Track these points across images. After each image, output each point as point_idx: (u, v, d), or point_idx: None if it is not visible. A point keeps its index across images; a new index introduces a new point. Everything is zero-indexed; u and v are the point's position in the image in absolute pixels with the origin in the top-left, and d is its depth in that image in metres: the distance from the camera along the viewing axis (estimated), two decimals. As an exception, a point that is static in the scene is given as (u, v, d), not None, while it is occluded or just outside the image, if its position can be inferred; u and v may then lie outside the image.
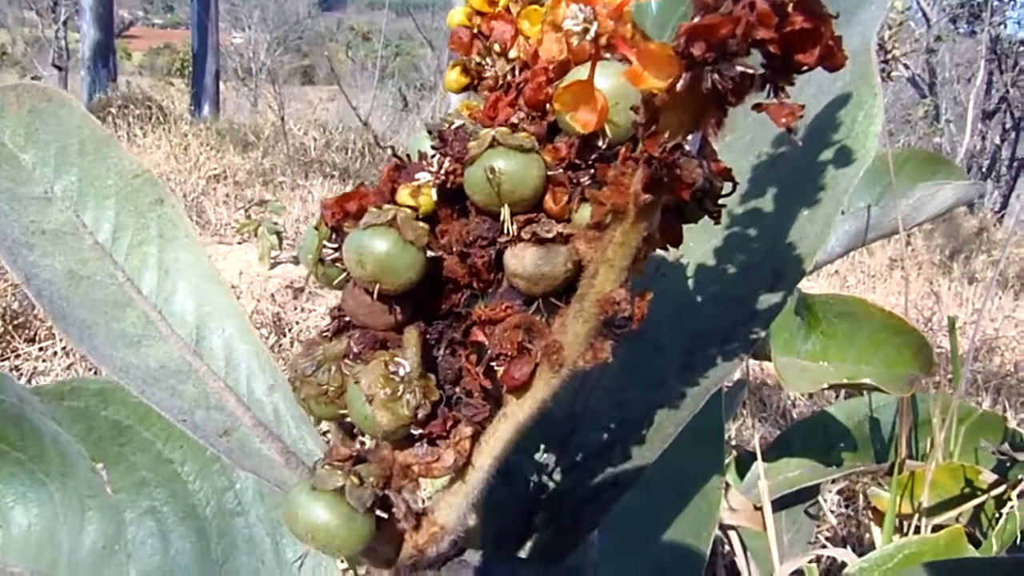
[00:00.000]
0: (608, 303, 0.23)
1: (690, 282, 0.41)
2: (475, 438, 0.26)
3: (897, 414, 1.06)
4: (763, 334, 0.36)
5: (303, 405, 0.26)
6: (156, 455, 0.50)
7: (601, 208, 0.22)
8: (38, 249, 0.31)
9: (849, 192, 0.37)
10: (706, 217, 0.34)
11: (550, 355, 0.24)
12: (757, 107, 0.21)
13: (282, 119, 6.55)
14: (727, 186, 0.28)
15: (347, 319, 0.26)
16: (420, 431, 0.25)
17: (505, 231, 0.24)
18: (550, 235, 0.23)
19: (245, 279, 3.03)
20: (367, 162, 6.60)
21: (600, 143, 0.24)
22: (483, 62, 0.30)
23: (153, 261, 0.33)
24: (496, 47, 0.29)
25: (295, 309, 2.92)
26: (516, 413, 0.26)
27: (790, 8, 0.18)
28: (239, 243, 3.59)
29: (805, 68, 0.20)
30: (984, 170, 8.16)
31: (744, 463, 1.16)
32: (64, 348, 2.30)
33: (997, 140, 8.19)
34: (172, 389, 0.32)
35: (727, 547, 1.12)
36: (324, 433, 0.35)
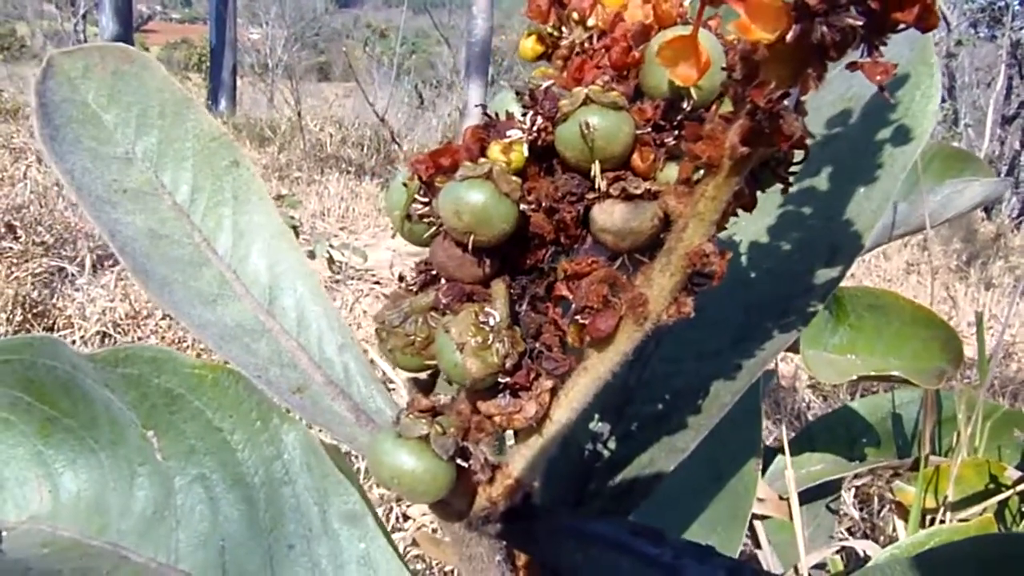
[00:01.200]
0: (697, 256, 0.23)
1: (743, 258, 0.42)
2: (554, 392, 0.27)
3: (921, 410, 1.06)
4: (820, 307, 0.37)
5: (388, 356, 0.27)
6: (206, 424, 0.51)
7: (695, 161, 0.22)
8: (120, 207, 0.32)
9: (907, 169, 0.37)
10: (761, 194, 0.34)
11: (635, 308, 0.25)
12: (851, 66, 0.22)
13: (299, 114, 6.58)
14: (798, 155, 0.29)
15: (433, 273, 0.27)
16: (506, 380, 0.26)
17: (595, 187, 0.24)
18: (639, 191, 0.24)
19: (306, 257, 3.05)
20: (382, 158, 6.63)
21: (685, 105, 0.25)
22: (557, 32, 0.31)
23: (228, 222, 0.34)
24: (575, 15, 0.30)
25: (311, 303, 2.93)
26: (597, 366, 0.26)
27: (896, -36, 0.19)
28: (258, 236, 3.60)
29: (902, 27, 0.21)
30: (1003, 176, 8.11)
31: (765, 458, 1.17)
32: (83, 337, 2.32)
33: (1016, 145, 8.15)
34: (247, 347, 0.33)
35: (749, 540, 1.13)
36: (391, 390, 0.35)
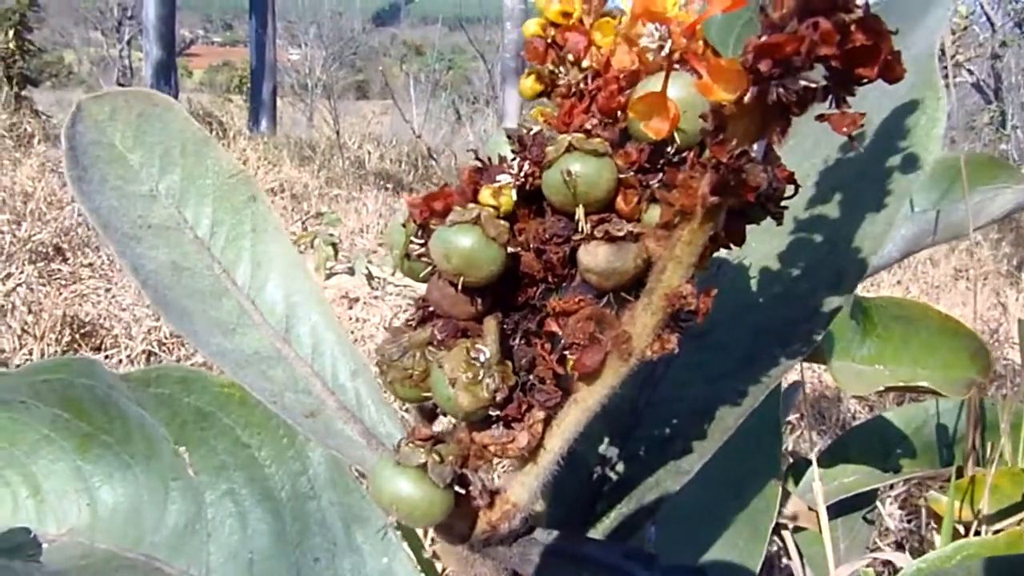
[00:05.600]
0: (675, 297, 0.24)
1: (752, 282, 0.43)
2: (547, 422, 0.28)
3: (960, 419, 1.05)
4: (823, 333, 0.38)
5: (389, 388, 0.29)
6: (235, 440, 0.53)
7: (670, 209, 0.24)
8: (145, 242, 0.34)
9: (911, 194, 0.38)
10: (768, 218, 0.35)
11: (619, 345, 0.26)
12: (820, 117, 0.23)
13: (337, 133, 6.66)
14: (789, 189, 0.30)
15: (431, 309, 0.28)
16: (497, 413, 0.27)
17: (579, 229, 0.26)
18: (621, 233, 0.25)
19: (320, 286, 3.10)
20: (420, 174, 6.68)
21: (669, 149, 0.26)
22: (556, 71, 0.32)
23: (247, 254, 0.36)
24: (570, 57, 0.31)
25: (350, 319, 2.98)
26: (586, 399, 0.28)
27: (852, 27, 0.20)
28: (297, 254, 3.66)
29: (866, 81, 0.22)
30: (1054, 177, 7.90)
31: (800, 470, 1.16)
32: (129, 356, 2.38)
33: (1066, 146, 7.94)
34: (263, 373, 0.35)
35: (783, 554, 1.12)
36: (402, 417, 0.37)
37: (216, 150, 0.36)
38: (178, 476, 0.53)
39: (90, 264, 3.11)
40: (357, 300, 3.16)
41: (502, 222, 0.26)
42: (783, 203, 0.30)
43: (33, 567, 0.51)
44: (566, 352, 0.27)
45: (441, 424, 0.32)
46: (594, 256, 0.25)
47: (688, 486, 0.58)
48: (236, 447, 0.53)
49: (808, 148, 0.43)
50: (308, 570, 0.51)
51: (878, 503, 1.15)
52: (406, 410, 0.32)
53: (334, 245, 3.36)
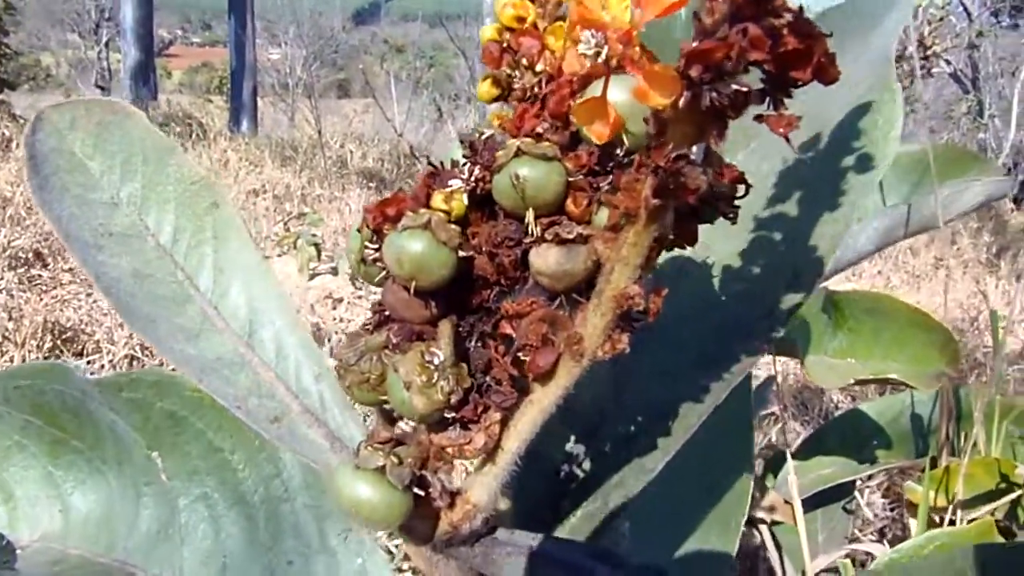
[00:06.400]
0: (623, 298, 0.25)
1: (714, 281, 0.43)
2: (504, 423, 0.29)
3: (935, 409, 1.06)
4: (782, 331, 0.38)
5: (347, 392, 0.29)
6: (207, 444, 0.53)
7: (616, 212, 0.24)
8: (106, 250, 0.34)
9: (868, 195, 0.38)
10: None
11: (571, 346, 0.26)
12: (758, 118, 0.23)
13: (319, 132, 6.62)
14: (741, 189, 0.30)
15: (387, 313, 0.29)
16: (453, 415, 0.28)
17: (530, 233, 0.26)
18: (571, 236, 0.26)
19: (285, 291, 3.09)
20: (402, 172, 6.66)
21: (618, 151, 0.27)
22: (513, 74, 0.32)
23: (209, 260, 0.36)
24: (524, 61, 0.31)
25: (334, 319, 2.98)
26: (541, 399, 0.28)
27: (783, 31, 0.20)
28: (279, 255, 3.66)
29: (800, 84, 0.22)
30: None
31: (779, 463, 1.17)
32: (111, 361, 2.36)
33: (1044, 135, 8.01)
34: (227, 379, 0.35)
35: (765, 548, 1.13)
36: (366, 420, 0.37)
37: (178, 157, 0.36)
38: (151, 481, 0.53)
39: (71, 269, 3.09)
40: (341, 300, 3.15)
41: (453, 226, 0.26)
42: (735, 203, 0.31)
43: (7, 574, 0.51)
44: (520, 354, 0.27)
45: (404, 426, 0.32)
46: (545, 259, 0.26)
47: (661, 482, 0.59)
48: (209, 451, 0.53)
49: (768, 149, 0.44)
50: (282, 573, 0.52)
51: (857, 493, 1.16)
52: (369, 413, 0.32)
53: (317, 245, 3.35)
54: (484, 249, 0.27)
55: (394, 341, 0.28)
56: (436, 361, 0.26)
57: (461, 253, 0.26)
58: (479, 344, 0.28)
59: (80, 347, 2.42)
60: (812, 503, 1.09)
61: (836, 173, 0.39)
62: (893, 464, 1.07)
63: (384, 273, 0.28)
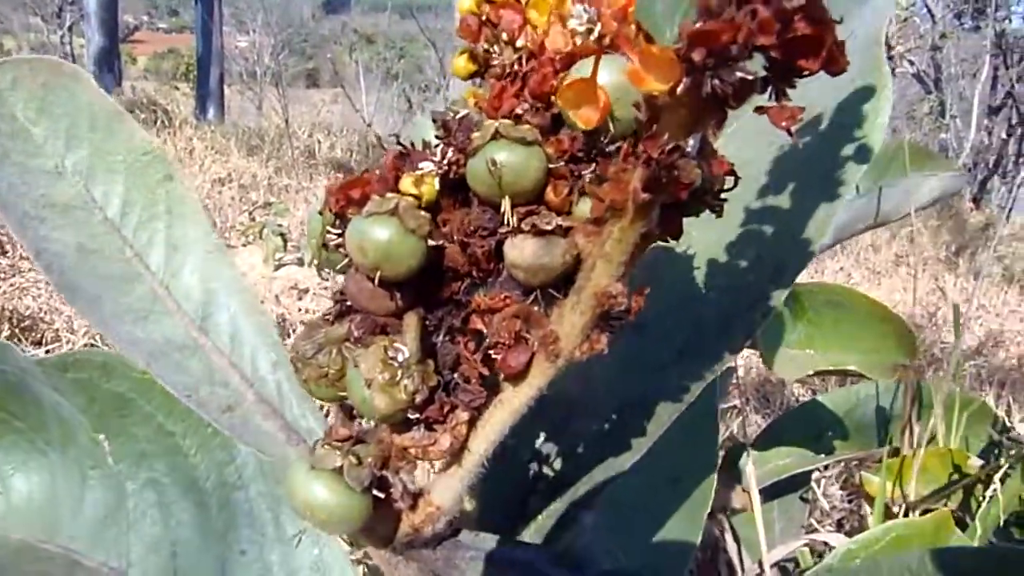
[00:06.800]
0: (604, 297, 0.23)
1: (696, 273, 0.42)
2: (472, 423, 0.27)
3: (894, 402, 1.07)
4: (762, 324, 0.37)
5: (304, 386, 0.27)
6: (157, 428, 0.51)
7: (600, 204, 0.22)
8: (48, 223, 0.32)
9: (854, 184, 0.37)
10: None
11: (546, 345, 0.24)
12: (759, 110, 0.21)
13: (286, 122, 6.52)
14: (729, 181, 0.29)
15: (349, 304, 0.27)
16: (417, 415, 0.26)
17: (506, 222, 0.24)
18: (550, 227, 0.24)
19: (250, 281, 3.05)
20: (371, 163, 6.59)
21: (603, 138, 0.25)
22: (491, 50, 0.30)
23: (161, 237, 0.34)
24: (504, 36, 0.29)
25: (299, 310, 2.93)
26: (512, 400, 0.26)
27: (793, 15, 0.18)
28: (244, 245, 3.59)
29: (807, 73, 0.20)
30: (990, 166, 8.12)
31: (736, 454, 1.17)
32: (71, 350, 2.30)
33: (1003, 135, 8.14)
34: (177, 364, 0.33)
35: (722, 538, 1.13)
36: (325, 412, 0.35)
37: (128, 125, 0.34)
38: (97, 465, 0.51)
39: (30, 257, 3.00)
40: (307, 291, 3.11)
41: (423, 213, 0.24)
42: (722, 196, 0.29)
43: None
44: (491, 352, 0.25)
45: (364, 423, 0.30)
46: (520, 251, 0.24)
47: (627, 480, 0.58)
48: (159, 435, 0.51)
49: (749, 134, 0.42)
50: (234, 562, 0.50)
51: (814, 484, 1.17)
52: (325, 408, 0.31)
53: (283, 236, 3.29)
54: (456, 238, 0.25)
55: (356, 334, 0.26)
56: (400, 358, 0.24)
57: (431, 242, 0.24)
58: (447, 339, 0.26)
59: (39, 335, 2.36)
60: (770, 493, 1.09)
61: (824, 162, 0.37)
62: (850, 455, 1.07)
63: (347, 260, 0.26)
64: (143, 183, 0.34)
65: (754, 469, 0.99)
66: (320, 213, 0.26)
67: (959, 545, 0.68)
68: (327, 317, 0.27)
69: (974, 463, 0.99)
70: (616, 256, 0.23)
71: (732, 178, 0.29)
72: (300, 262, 3.17)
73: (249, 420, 0.33)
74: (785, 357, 0.99)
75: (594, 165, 0.25)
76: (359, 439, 0.28)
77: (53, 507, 0.51)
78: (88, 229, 0.33)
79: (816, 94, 0.40)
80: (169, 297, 0.34)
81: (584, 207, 0.25)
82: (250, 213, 3.94)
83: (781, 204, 0.39)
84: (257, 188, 4.94)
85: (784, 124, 0.21)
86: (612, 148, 0.25)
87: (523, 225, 0.24)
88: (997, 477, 0.95)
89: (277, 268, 3.22)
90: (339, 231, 0.25)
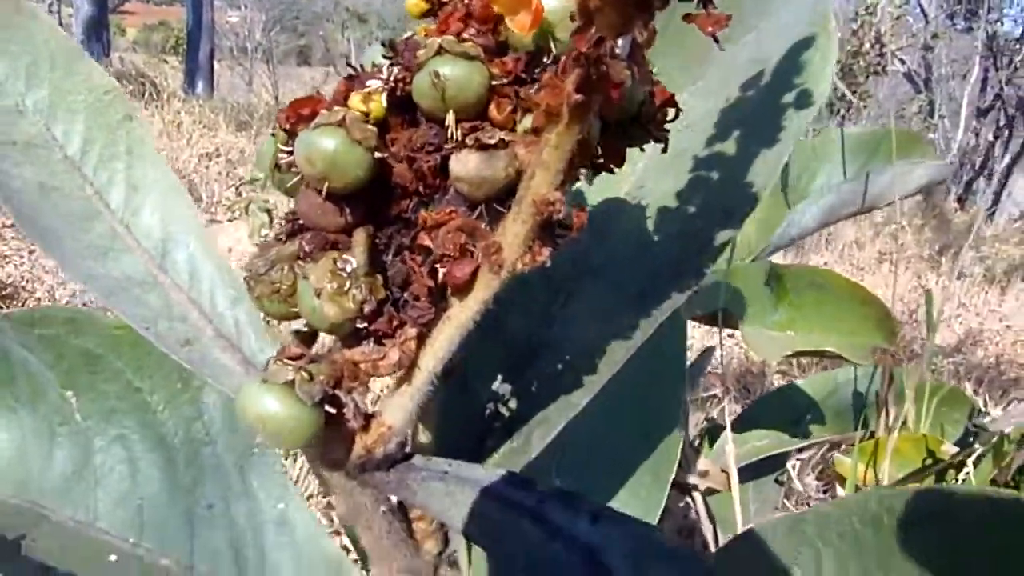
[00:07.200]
0: (543, 204, 0.24)
1: (649, 222, 0.43)
2: (421, 340, 0.28)
3: (871, 388, 1.08)
4: (711, 268, 0.38)
5: (257, 304, 0.28)
6: (126, 384, 0.51)
7: (539, 113, 0.23)
8: (9, 159, 0.32)
9: (799, 130, 0.38)
10: (665, 155, 0.35)
11: (490, 255, 0.25)
12: (687, 17, 0.22)
13: (276, 99, 6.50)
14: (671, 112, 0.30)
15: (300, 222, 0.27)
16: (367, 328, 0.26)
17: (450, 136, 0.25)
18: (492, 141, 0.25)
19: (235, 256, 3.04)
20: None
21: (546, 59, 0.26)
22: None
23: (121, 176, 0.34)
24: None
25: (284, 285, 2.93)
26: (459, 315, 0.27)
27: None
28: (230, 220, 3.59)
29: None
30: (977, 167, 8.20)
31: (715, 436, 1.18)
32: (38, 307, 2.30)
33: (991, 137, 8.22)
34: (136, 299, 0.33)
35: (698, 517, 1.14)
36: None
37: (88, 64, 0.34)
38: (65, 421, 0.51)
39: (12, 225, 2.99)
40: (291, 267, 3.10)
41: (369, 126, 0.25)
42: (665, 127, 0.30)
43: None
44: (437, 266, 0.26)
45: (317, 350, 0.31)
46: (464, 164, 0.25)
47: (594, 430, 0.58)
48: (127, 391, 0.51)
49: (714, 87, 0.43)
50: (201, 516, 0.50)
51: (789, 467, 1.18)
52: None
53: (269, 211, 3.29)
54: (403, 155, 0.25)
55: (306, 250, 0.26)
56: (349, 268, 0.25)
57: (378, 155, 0.25)
58: (396, 258, 0.27)
59: (21, 303, 2.35)
60: (745, 475, 1.10)
61: (774, 109, 0.38)
62: (826, 438, 1.08)
63: (298, 178, 0.26)
64: (103, 123, 0.34)
65: (733, 447, 1.00)
66: (272, 134, 0.27)
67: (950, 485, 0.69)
68: (279, 237, 0.28)
69: (948, 449, 1.01)
70: (554, 163, 0.23)
71: (674, 109, 0.30)
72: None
73: (207, 354, 0.33)
74: (764, 338, 1.00)
75: (536, 86, 0.26)
76: (312, 359, 0.28)
77: (22, 463, 0.51)
78: (49, 167, 0.33)
79: (768, 48, 0.41)
80: (129, 235, 0.34)
81: (526, 124, 0.25)
82: (237, 188, 3.94)
83: (728, 151, 0.40)
84: (244, 164, 4.93)
85: (711, 29, 0.21)
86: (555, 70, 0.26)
87: (467, 140, 0.25)
88: (971, 460, 0.96)
89: (263, 243, 3.22)
90: (290, 149, 0.26)
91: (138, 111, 0.35)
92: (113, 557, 0.47)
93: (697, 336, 2.38)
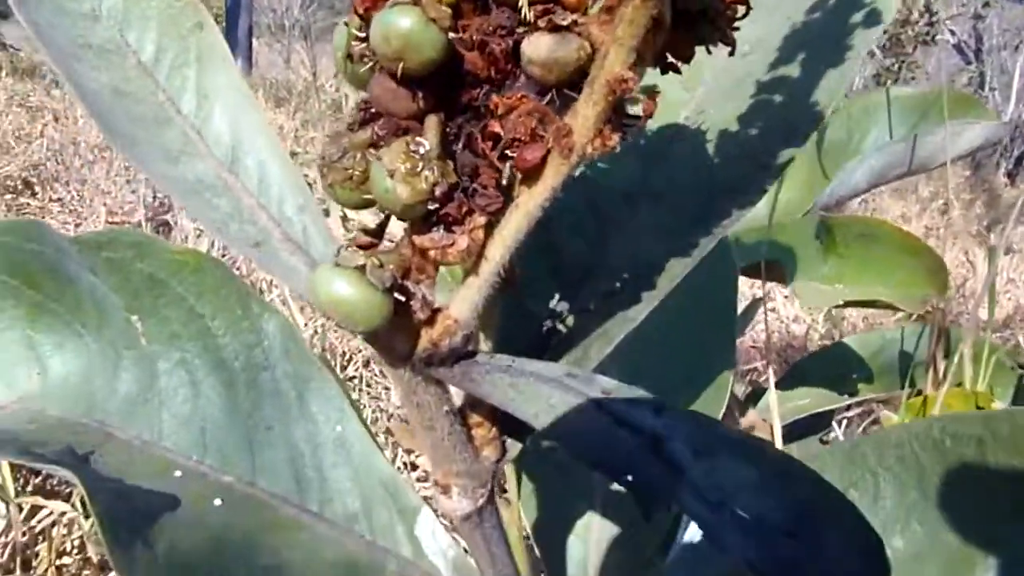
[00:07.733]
0: (617, 82, 0.24)
1: (710, 146, 0.43)
2: (488, 229, 0.28)
3: (919, 345, 1.07)
4: (771, 185, 0.38)
5: (329, 192, 0.28)
6: (188, 310, 0.53)
7: (613, -13, 0.23)
8: (86, 62, 0.33)
9: (865, 49, 0.38)
10: (725, 81, 0.35)
11: (560, 139, 0.25)
12: None
13: (314, 75, 6.53)
14: (740, 10, 0.30)
15: (373, 110, 0.28)
16: (437, 215, 0.27)
17: (523, 19, 0.25)
18: (565, 23, 0.25)
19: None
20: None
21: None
22: None
23: (192, 84, 0.35)
24: None
25: (324, 257, 2.97)
26: (527, 203, 0.27)
27: None
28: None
29: None
30: (1028, 141, 7.99)
31: (759, 396, 1.18)
32: (107, 229, 2.35)
33: (1043, 109, 7.99)
34: (208, 202, 0.34)
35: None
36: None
37: (161, -28, 0.35)
38: (130, 345, 0.52)
39: (59, 199, 3.06)
40: (331, 239, 3.14)
41: (444, 8, 0.25)
42: (734, 25, 0.30)
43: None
44: (507, 151, 0.26)
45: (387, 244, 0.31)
46: (536, 47, 0.25)
47: (644, 370, 0.59)
48: (189, 316, 0.52)
49: (765, 13, 0.43)
50: (261, 438, 0.52)
51: (835, 424, 1.17)
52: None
53: (309, 186, 3.33)
54: (475, 39, 0.26)
55: (379, 134, 0.27)
56: (422, 150, 0.26)
57: (452, 35, 0.25)
58: (466, 148, 0.28)
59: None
60: (790, 435, 1.09)
61: (837, 27, 0.38)
62: (872, 396, 1.07)
63: (370, 66, 0.27)
64: (175, 30, 0.35)
65: (777, 403, 1.00)
66: (346, 24, 0.27)
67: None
68: (351, 126, 0.28)
69: (999, 407, 0.99)
70: (627, 40, 0.23)
71: (743, 8, 0.30)
72: (326, 213, 3.20)
73: (276, 255, 0.34)
74: (812, 290, 0.99)
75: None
76: (383, 251, 0.29)
77: (88, 387, 0.53)
78: (122, 72, 0.34)
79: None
80: (200, 140, 0.35)
81: (598, 8, 0.25)
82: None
83: (792, 73, 0.40)
84: (284, 140, 4.97)
85: None
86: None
87: (540, 22, 0.25)
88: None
89: (303, 219, 3.26)
90: (364, 35, 0.26)
91: (207, 17, 0.36)
92: (178, 473, 0.49)
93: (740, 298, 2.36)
